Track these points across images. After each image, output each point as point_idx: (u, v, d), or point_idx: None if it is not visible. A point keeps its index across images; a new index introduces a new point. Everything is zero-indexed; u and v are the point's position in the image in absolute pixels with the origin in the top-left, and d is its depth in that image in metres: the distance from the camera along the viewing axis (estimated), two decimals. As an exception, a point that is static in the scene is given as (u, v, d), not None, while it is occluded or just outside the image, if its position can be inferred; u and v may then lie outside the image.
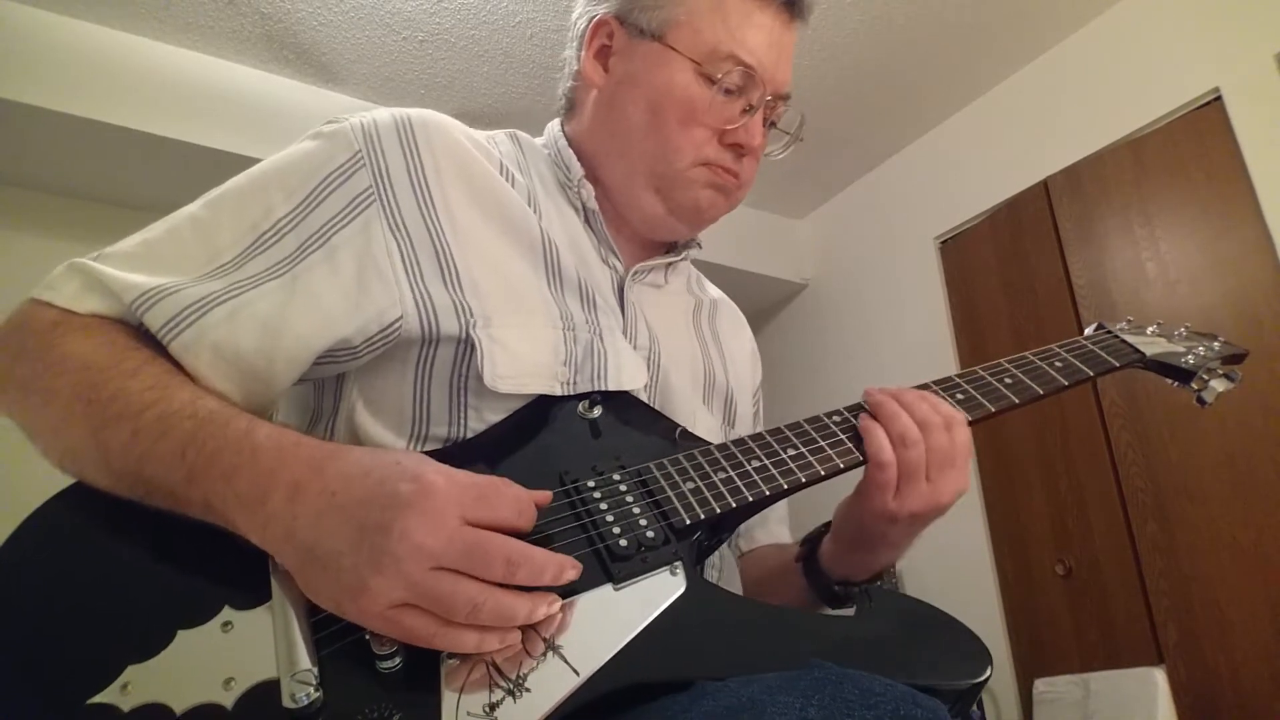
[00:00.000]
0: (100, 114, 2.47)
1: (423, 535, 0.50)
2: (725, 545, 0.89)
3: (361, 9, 2.56)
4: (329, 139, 0.70)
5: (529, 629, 0.54)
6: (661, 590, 0.60)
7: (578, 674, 0.53)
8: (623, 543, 0.61)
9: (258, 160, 0.70)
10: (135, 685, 0.49)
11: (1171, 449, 2.36)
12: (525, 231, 0.76)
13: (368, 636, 0.52)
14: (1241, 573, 2.17)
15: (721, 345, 0.94)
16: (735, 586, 0.87)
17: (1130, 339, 0.90)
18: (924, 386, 0.77)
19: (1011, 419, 0.79)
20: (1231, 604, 2.17)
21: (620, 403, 0.73)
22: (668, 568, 0.61)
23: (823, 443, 0.72)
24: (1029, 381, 0.80)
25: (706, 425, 0.83)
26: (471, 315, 0.69)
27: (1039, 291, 2.81)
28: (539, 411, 0.69)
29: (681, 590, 0.60)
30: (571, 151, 0.85)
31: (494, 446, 0.67)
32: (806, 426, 0.73)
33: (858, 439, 0.72)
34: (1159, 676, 2.22)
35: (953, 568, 2.80)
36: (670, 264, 0.90)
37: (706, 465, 0.68)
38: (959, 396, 0.77)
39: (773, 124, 0.85)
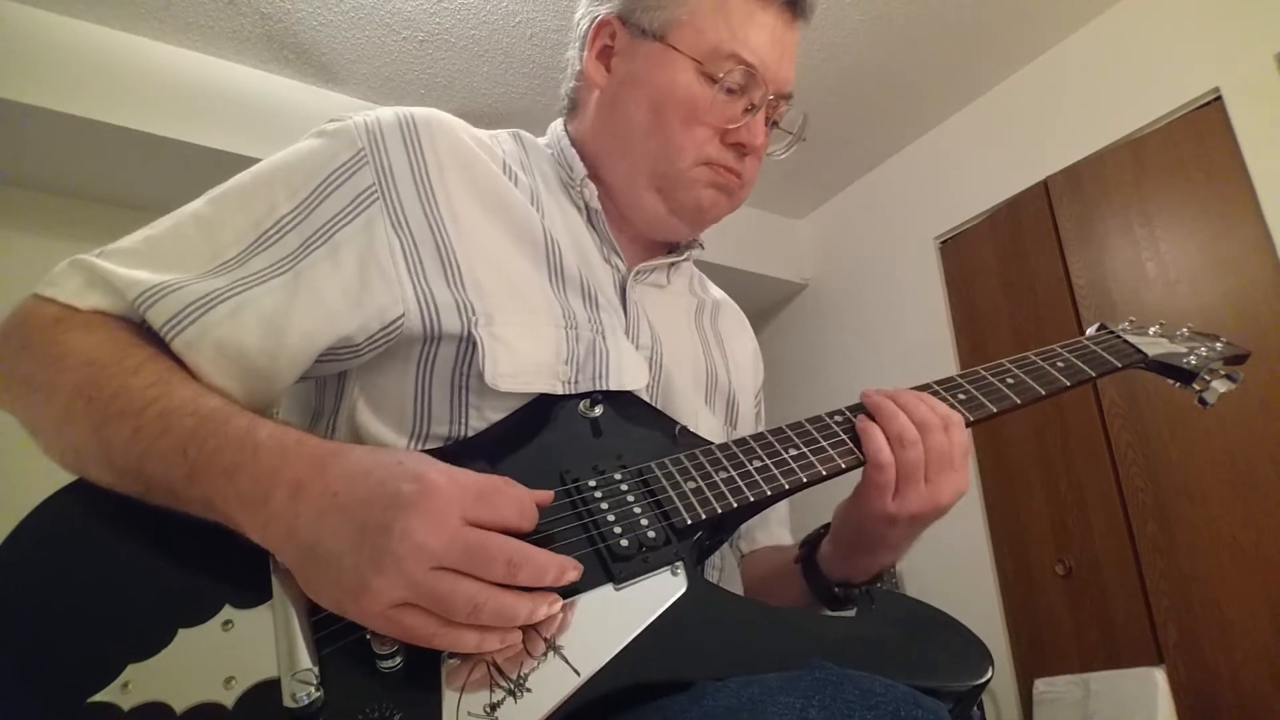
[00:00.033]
0: (100, 114, 2.47)
1: (424, 535, 0.49)
2: (726, 545, 0.90)
3: (361, 9, 2.56)
4: (333, 137, 0.70)
5: (530, 629, 0.54)
6: (662, 590, 0.60)
7: (578, 674, 0.53)
8: (624, 542, 0.60)
9: (257, 160, 0.70)
10: (136, 684, 0.49)
11: (1171, 449, 2.36)
12: (528, 230, 0.76)
13: (368, 636, 0.52)
14: (1241, 573, 2.17)
15: (724, 346, 0.93)
16: (735, 586, 0.87)
17: (1133, 339, 0.90)
18: (926, 387, 0.77)
19: (1011, 419, 0.79)
20: (1231, 604, 2.17)
21: (622, 402, 0.73)
22: (669, 568, 0.61)
23: (824, 442, 0.72)
24: (1031, 382, 0.80)
25: (708, 425, 0.83)
26: (473, 313, 0.69)
27: (1039, 291, 2.80)
28: (540, 410, 0.69)
29: (682, 590, 0.60)
30: (575, 151, 0.85)
31: (495, 445, 0.67)
32: (808, 426, 0.73)
33: (859, 439, 0.72)
34: (1159, 676, 2.22)
35: (953, 568, 2.80)
36: (673, 264, 0.90)
37: (708, 464, 0.68)
38: (961, 396, 0.77)
39: (775, 123, 0.85)
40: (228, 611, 0.53)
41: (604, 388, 0.72)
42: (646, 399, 0.76)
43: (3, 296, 0.65)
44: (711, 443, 0.71)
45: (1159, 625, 2.31)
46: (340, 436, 0.71)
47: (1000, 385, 0.79)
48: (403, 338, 0.68)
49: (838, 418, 0.74)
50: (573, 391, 0.70)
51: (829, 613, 0.79)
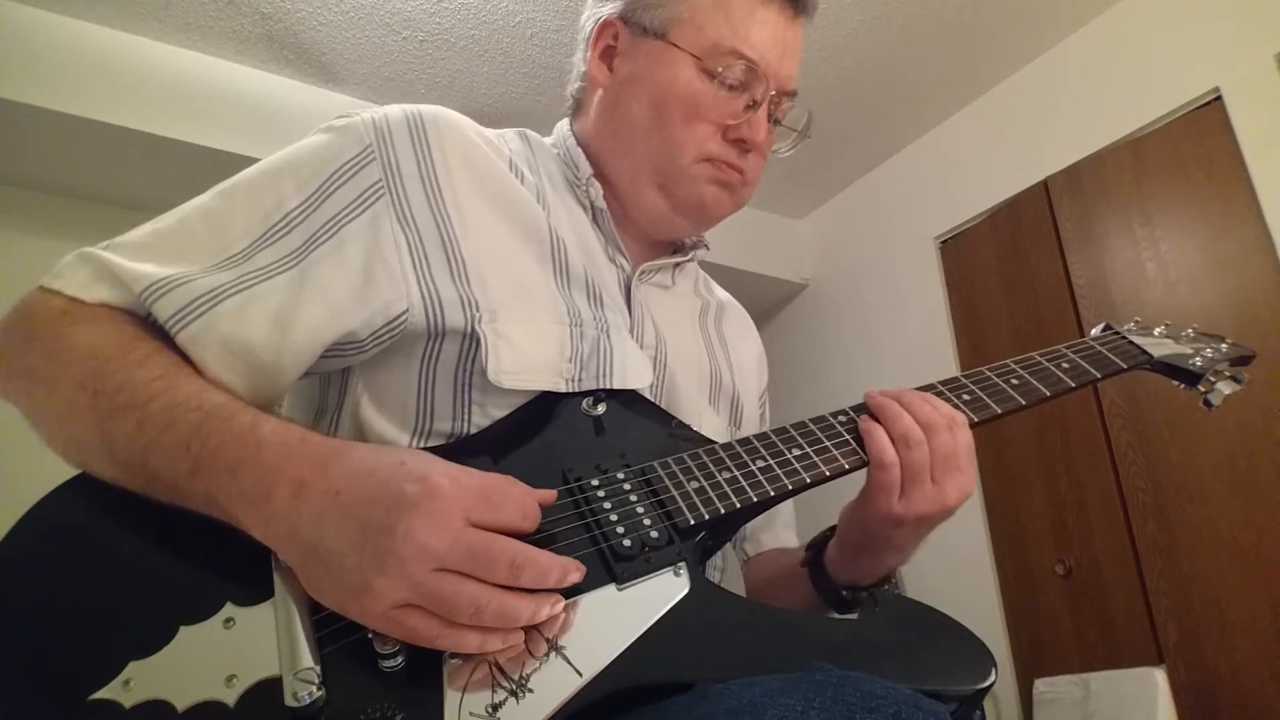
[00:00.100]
0: (100, 114, 2.47)
1: (427, 536, 0.49)
2: (727, 545, 0.89)
3: (361, 9, 2.55)
4: (340, 133, 0.70)
5: (532, 629, 0.54)
6: (665, 591, 0.59)
7: (580, 675, 0.53)
8: (626, 542, 0.60)
9: (257, 160, 0.70)
10: (137, 681, 0.49)
11: (1171, 449, 2.36)
12: (534, 228, 0.76)
13: (370, 635, 0.52)
14: (1241, 573, 2.16)
15: (728, 347, 0.93)
16: (737, 587, 0.87)
17: (1138, 340, 0.89)
18: (930, 387, 0.76)
19: (1011, 419, 0.79)
20: (1231, 604, 2.17)
21: (625, 401, 0.72)
22: (671, 568, 0.61)
23: (828, 443, 0.71)
24: (1035, 383, 0.79)
25: (712, 426, 0.82)
26: (477, 310, 0.68)
27: (1039, 291, 2.80)
28: (543, 408, 0.69)
29: (685, 591, 0.59)
30: (580, 150, 0.85)
31: (498, 442, 0.67)
32: (812, 426, 0.73)
33: (863, 439, 0.72)
34: (1159, 676, 2.22)
35: (953, 568, 2.80)
36: (678, 264, 0.90)
37: (711, 465, 0.68)
38: (965, 397, 0.76)
39: (778, 121, 0.85)
40: (229, 609, 0.53)
41: (608, 386, 0.72)
42: (650, 398, 0.76)
43: (3, 296, 0.65)
44: (715, 442, 0.71)
45: (1159, 625, 2.31)
46: (343, 432, 0.71)
47: (1005, 386, 0.78)
48: (407, 333, 0.68)
49: (841, 417, 0.74)
50: (576, 389, 0.70)
51: (834, 615, 0.79)
